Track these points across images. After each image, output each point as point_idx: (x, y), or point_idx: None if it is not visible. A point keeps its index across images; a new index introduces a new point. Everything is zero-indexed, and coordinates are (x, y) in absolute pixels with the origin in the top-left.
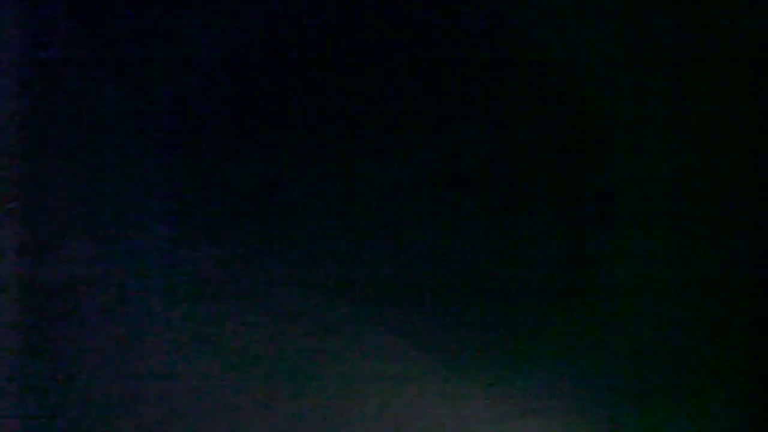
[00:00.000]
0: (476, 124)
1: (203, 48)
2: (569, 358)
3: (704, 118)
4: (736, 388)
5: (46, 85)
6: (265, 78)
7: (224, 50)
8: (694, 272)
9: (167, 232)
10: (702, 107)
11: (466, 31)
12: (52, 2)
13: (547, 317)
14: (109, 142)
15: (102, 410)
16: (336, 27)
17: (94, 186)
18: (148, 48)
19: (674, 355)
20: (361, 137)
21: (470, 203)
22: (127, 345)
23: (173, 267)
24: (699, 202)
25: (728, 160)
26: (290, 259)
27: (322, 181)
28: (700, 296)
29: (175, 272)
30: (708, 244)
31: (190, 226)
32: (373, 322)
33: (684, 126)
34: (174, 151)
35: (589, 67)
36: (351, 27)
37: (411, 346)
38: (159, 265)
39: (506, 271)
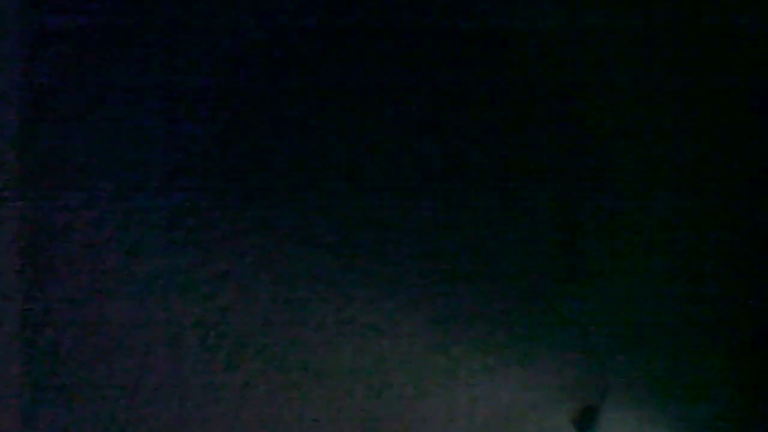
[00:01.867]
0: (475, 120)
1: (207, 39)
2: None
3: (703, 118)
4: (735, 385)
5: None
6: (266, 72)
7: (229, 44)
8: (693, 269)
9: (168, 225)
10: (701, 106)
11: (466, 30)
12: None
13: (545, 310)
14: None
15: (101, 407)
16: (338, 27)
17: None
18: (150, 45)
19: (671, 349)
20: (362, 135)
21: (469, 197)
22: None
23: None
24: (699, 201)
25: (729, 159)
26: (292, 248)
27: (324, 174)
28: (699, 293)
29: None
30: (708, 242)
31: (191, 219)
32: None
33: (683, 124)
34: (178, 143)
35: (588, 67)
36: (352, 27)
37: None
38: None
39: (504, 267)
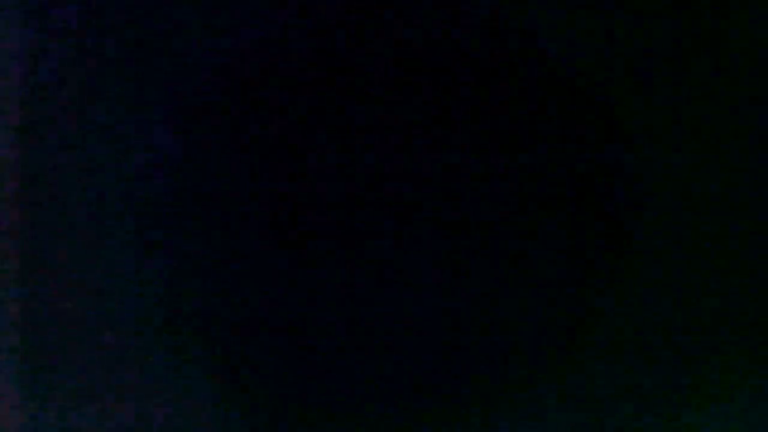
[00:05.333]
0: (485, 124)
1: (208, 51)
2: (576, 362)
3: (721, 117)
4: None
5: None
6: (266, 79)
7: (227, 53)
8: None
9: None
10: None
11: (469, 29)
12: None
13: (555, 321)
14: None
15: (100, 408)
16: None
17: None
18: (151, 51)
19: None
20: (365, 139)
21: (477, 205)
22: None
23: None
24: (716, 204)
25: (745, 160)
26: (293, 260)
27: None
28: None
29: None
30: (727, 247)
31: (189, 227)
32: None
33: (701, 125)
34: (182, 143)
35: (599, 63)
36: (353, 28)
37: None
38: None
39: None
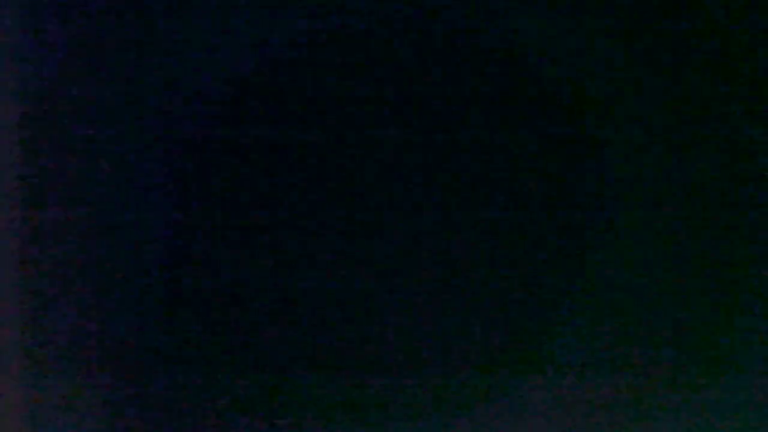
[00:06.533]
0: (474, 125)
1: (208, 50)
2: (567, 357)
3: (705, 119)
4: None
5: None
6: (267, 80)
7: (228, 53)
8: (694, 273)
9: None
10: (703, 108)
11: (465, 33)
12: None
13: (545, 317)
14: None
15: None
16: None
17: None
18: (150, 54)
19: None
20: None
21: (466, 202)
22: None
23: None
24: (700, 204)
25: (729, 161)
26: (293, 254)
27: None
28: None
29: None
30: (709, 247)
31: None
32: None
33: (684, 126)
34: (181, 144)
35: (586, 67)
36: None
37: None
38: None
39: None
